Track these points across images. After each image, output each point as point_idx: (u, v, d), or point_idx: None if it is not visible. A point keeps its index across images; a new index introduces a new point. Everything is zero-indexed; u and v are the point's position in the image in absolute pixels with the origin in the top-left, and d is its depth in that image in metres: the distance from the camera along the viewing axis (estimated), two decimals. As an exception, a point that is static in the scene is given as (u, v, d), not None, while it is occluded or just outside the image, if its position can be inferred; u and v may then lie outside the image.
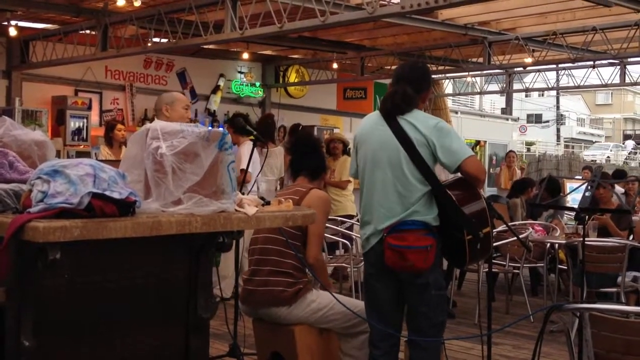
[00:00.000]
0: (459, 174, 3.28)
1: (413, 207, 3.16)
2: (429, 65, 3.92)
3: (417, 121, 3.21)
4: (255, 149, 5.12)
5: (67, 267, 2.10)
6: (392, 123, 3.23)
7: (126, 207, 2.11)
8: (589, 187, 4.15)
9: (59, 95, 8.64)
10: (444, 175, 3.39)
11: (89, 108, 8.68)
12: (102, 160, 2.39)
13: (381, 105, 3.37)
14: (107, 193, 2.07)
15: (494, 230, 3.44)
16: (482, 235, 3.19)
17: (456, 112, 16.97)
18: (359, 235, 6.69)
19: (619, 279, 5.62)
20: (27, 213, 2.00)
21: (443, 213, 3.20)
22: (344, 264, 6.60)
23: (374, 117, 3.38)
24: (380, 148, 3.25)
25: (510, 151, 12.28)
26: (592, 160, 28.98)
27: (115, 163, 2.38)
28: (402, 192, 3.18)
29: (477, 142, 16.77)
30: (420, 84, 3.33)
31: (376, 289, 3.31)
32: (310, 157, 3.87)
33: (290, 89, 11.41)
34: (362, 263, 6.40)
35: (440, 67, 9.98)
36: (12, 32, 7.99)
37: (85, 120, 8.53)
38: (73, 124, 8.42)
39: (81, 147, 8.42)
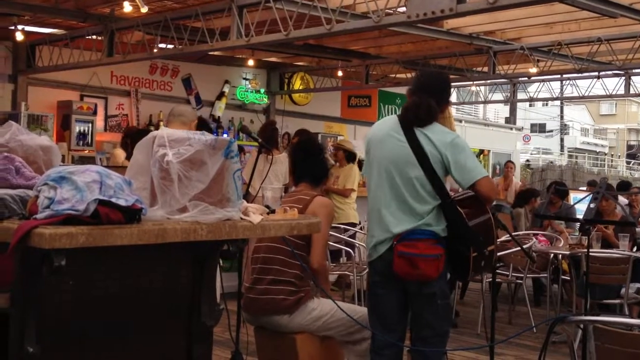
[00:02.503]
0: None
1: (423, 220, 3.16)
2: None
3: (434, 135, 3.17)
4: (260, 156, 5.14)
5: (72, 273, 2.10)
6: (408, 134, 3.19)
7: (132, 215, 2.12)
8: (594, 199, 4.15)
9: (64, 100, 8.67)
10: (448, 186, 3.39)
11: (94, 113, 8.71)
12: (108, 167, 2.39)
13: (402, 114, 3.29)
14: (114, 200, 2.08)
15: (497, 240, 3.45)
16: (487, 253, 3.20)
17: (460, 121, 16.95)
18: (364, 244, 6.74)
19: (623, 290, 5.61)
20: (34, 219, 2.00)
21: (450, 227, 3.20)
22: (347, 272, 6.59)
23: (390, 123, 3.31)
24: (394, 158, 3.22)
25: (509, 161, 12.16)
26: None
27: (121, 170, 2.38)
28: (412, 204, 3.17)
29: (481, 151, 16.77)
30: (442, 96, 3.31)
31: (380, 297, 3.30)
32: (313, 162, 3.83)
33: (295, 96, 11.43)
34: (366, 271, 6.44)
35: (445, 76, 9.98)
36: (19, 36, 8.02)
37: (90, 125, 8.57)
38: (78, 129, 8.45)
39: (86, 152, 8.44)
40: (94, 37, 7.87)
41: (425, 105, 3.20)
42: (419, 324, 3.26)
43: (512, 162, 12.03)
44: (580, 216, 4.32)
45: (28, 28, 8.22)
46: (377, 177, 3.29)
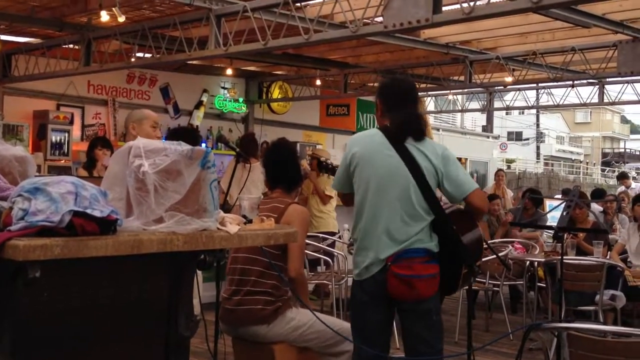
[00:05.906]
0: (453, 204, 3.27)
1: (416, 236, 3.09)
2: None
3: (426, 148, 3.12)
4: (238, 165, 5.14)
5: (47, 285, 2.09)
6: (400, 148, 3.10)
7: (107, 226, 2.11)
8: (567, 207, 4.21)
9: (40, 109, 8.58)
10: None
11: (71, 123, 8.63)
12: (83, 177, 2.38)
13: (398, 129, 3.16)
14: (89, 211, 2.07)
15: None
16: (477, 268, 3.20)
17: (438, 130, 17.09)
18: (342, 253, 6.74)
19: (597, 297, 5.68)
20: (8, 231, 1.99)
21: (442, 243, 3.15)
22: (325, 281, 6.59)
23: (378, 138, 3.18)
24: (389, 176, 3.11)
25: (499, 170, 12.21)
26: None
27: (97, 180, 2.37)
28: (408, 221, 3.09)
29: (459, 160, 16.91)
30: (417, 104, 3.33)
31: (368, 316, 3.20)
32: (287, 167, 3.76)
33: (274, 105, 11.44)
34: (344, 280, 6.45)
35: (422, 85, 10.07)
36: (-6, 45, 7.95)
37: (66, 135, 8.48)
38: (54, 139, 8.36)
39: (62, 162, 8.35)
40: (71, 46, 7.81)
41: (420, 119, 3.18)
42: (416, 341, 3.19)
43: (502, 171, 12.10)
44: (553, 224, 4.38)
45: (4, 37, 8.14)
46: (370, 196, 3.15)
